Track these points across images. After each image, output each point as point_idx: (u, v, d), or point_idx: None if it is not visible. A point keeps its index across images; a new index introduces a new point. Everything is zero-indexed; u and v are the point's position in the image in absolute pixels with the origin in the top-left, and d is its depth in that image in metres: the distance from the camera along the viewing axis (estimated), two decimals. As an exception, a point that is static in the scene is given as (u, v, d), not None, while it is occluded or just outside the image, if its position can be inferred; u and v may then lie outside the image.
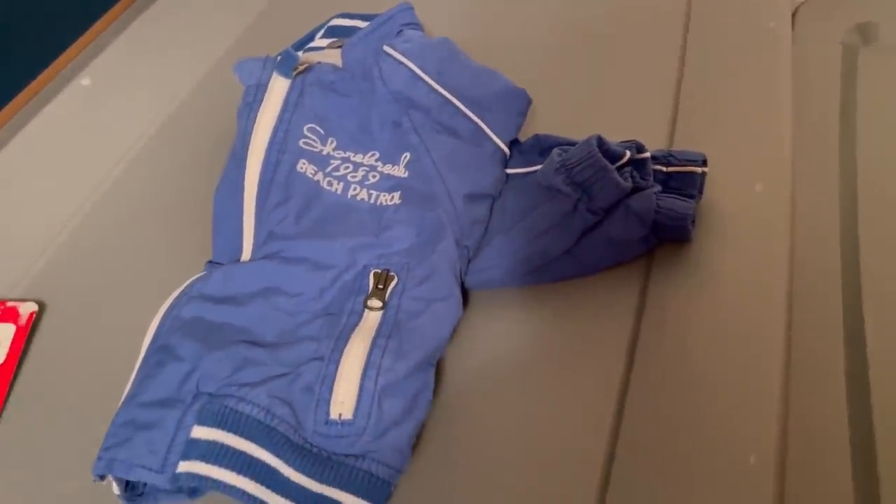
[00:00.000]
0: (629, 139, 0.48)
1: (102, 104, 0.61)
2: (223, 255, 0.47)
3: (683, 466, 0.38)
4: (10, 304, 0.47)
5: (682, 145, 0.53)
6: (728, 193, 0.50)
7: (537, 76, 0.56)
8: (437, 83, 0.50)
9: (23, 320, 0.46)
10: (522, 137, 0.52)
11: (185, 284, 0.44)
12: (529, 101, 0.50)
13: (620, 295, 0.46)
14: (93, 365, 0.45)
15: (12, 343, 0.45)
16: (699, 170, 0.48)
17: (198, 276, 0.45)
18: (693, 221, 0.47)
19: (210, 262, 0.47)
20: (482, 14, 0.66)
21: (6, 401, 0.43)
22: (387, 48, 0.52)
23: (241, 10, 0.69)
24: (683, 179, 0.48)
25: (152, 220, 0.53)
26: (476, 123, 0.49)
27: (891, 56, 0.71)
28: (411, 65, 0.51)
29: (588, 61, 0.61)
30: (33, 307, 0.47)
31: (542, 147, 0.51)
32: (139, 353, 0.42)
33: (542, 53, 0.62)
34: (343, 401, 0.37)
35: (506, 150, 0.50)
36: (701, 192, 0.48)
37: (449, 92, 0.50)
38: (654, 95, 0.58)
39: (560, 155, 0.46)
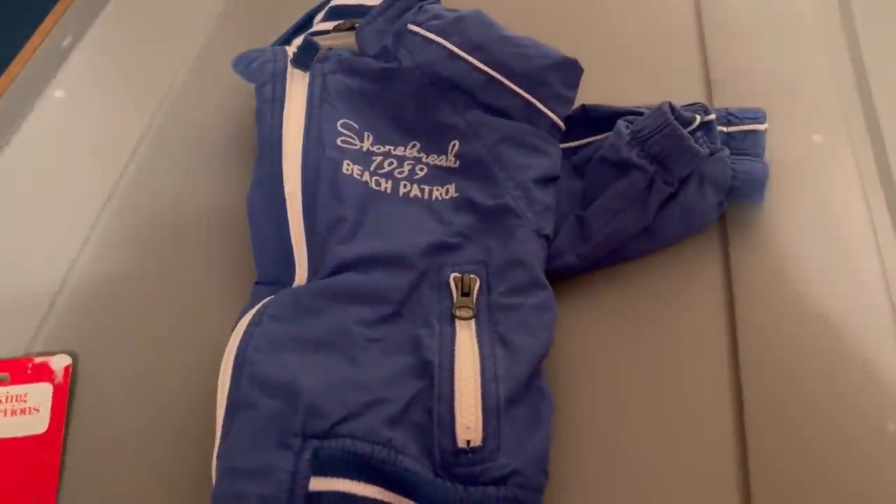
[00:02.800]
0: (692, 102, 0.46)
1: (82, 116, 0.54)
2: (271, 277, 0.42)
3: (822, 446, 0.37)
4: (38, 360, 0.41)
5: (722, 103, 0.51)
6: (786, 148, 0.48)
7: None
8: (479, 60, 0.46)
9: (58, 377, 0.41)
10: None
11: (248, 316, 0.39)
12: (581, 72, 0.46)
13: (702, 264, 0.45)
14: (152, 414, 0.40)
15: (53, 405, 0.40)
16: (762, 127, 0.46)
17: (257, 304, 0.40)
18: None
19: (258, 283, 0.43)
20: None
21: (61, 477, 0.38)
22: (412, 27, 0.48)
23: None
24: (746, 139, 0.46)
25: (170, 238, 0.47)
26: (528, 100, 0.46)
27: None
28: (446, 43, 0.46)
29: (594, 23, 0.58)
30: (67, 360, 0.41)
31: (591, 118, 0.48)
32: (200, 385, 0.39)
33: (548, 21, 0.59)
34: (469, 425, 0.34)
35: (563, 126, 0.47)
36: (763, 149, 0.47)
37: (493, 69, 0.46)
38: (678, 52, 0.56)
39: (627, 127, 0.44)
